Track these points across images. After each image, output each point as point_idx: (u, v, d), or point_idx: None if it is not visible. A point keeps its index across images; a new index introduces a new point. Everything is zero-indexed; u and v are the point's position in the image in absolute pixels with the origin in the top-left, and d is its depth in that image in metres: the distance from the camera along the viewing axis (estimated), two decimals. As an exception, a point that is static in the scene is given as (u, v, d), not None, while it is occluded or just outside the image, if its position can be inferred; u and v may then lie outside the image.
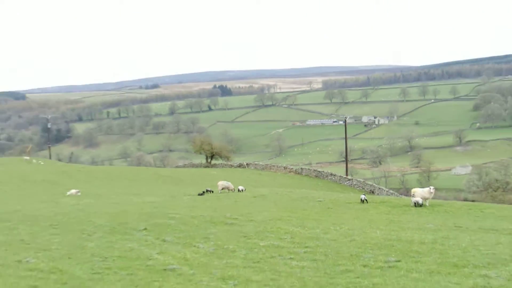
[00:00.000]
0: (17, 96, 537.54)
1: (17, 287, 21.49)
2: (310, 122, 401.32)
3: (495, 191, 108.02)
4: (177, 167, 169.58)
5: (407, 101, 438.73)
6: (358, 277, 23.92)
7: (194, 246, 31.74)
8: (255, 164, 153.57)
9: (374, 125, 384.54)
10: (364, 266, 26.30)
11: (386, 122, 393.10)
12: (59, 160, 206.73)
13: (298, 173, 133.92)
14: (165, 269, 25.41)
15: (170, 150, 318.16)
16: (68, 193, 75.14)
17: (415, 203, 57.03)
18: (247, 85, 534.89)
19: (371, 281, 23.17)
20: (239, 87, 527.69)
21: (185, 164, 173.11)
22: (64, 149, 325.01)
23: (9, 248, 30.35)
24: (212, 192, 73.42)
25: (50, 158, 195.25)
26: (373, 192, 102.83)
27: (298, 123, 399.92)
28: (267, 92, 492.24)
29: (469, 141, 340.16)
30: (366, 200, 61.80)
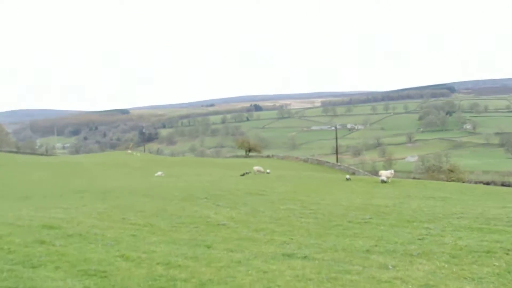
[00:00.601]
0: (123, 111, 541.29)
1: (122, 235, 21.47)
2: (313, 128, 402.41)
3: (433, 172, 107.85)
4: (226, 157, 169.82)
5: (375, 114, 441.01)
6: (344, 229, 23.83)
7: (237, 209, 31.68)
8: (277, 155, 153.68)
9: (354, 130, 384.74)
10: (349, 222, 26.18)
11: (363, 127, 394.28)
12: (150, 153, 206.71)
13: (305, 161, 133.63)
14: (218, 224, 25.37)
15: (222, 147, 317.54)
16: (156, 174, 75.31)
17: (381, 180, 57.10)
18: (272, 104, 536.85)
19: (353, 231, 23.06)
20: (266, 105, 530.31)
21: (231, 156, 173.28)
22: (153, 146, 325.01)
23: (117, 210, 30.44)
24: (249, 173, 73.22)
25: (144, 151, 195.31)
26: (354, 173, 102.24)
27: (305, 129, 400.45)
28: (284, 108, 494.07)
29: (416, 140, 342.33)
30: (349, 178, 62.23)
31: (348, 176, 64.47)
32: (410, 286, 13.56)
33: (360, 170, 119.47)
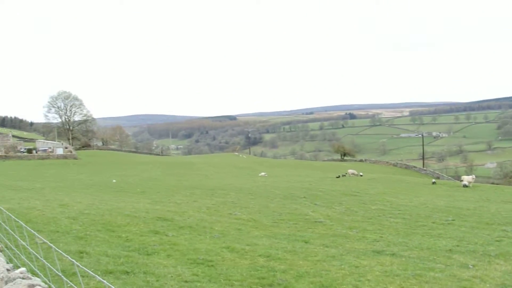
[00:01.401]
0: (231, 118, 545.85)
1: (228, 228, 21.66)
2: (402, 135, 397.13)
3: (511, 178, 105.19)
4: (323, 161, 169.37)
5: (458, 123, 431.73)
6: (429, 229, 23.50)
7: (333, 208, 31.56)
8: (369, 160, 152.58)
9: (439, 137, 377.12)
10: (433, 222, 25.82)
11: (446, 135, 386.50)
12: (255, 155, 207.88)
13: (394, 166, 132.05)
14: (315, 221, 25.34)
15: (319, 151, 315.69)
16: (260, 174, 75.61)
17: (463, 185, 55.83)
18: (365, 113, 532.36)
19: (437, 232, 22.73)
20: (360, 113, 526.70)
21: (328, 159, 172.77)
22: (257, 149, 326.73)
23: (224, 205, 30.71)
24: (344, 175, 72.78)
25: (249, 154, 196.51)
26: (438, 177, 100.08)
27: (395, 136, 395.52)
28: (376, 117, 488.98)
29: (495, 147, 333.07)
30: (435, 182, 60.99)
31: (434, 180, 63.20)
32: (488, 285, 13.25)
33: (444, 175, 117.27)
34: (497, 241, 20.29)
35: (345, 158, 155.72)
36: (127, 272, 11.91)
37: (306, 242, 18.92)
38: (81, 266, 5.11)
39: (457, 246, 18.89)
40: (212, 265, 13.86)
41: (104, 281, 5.03)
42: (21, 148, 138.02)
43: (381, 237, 20.92)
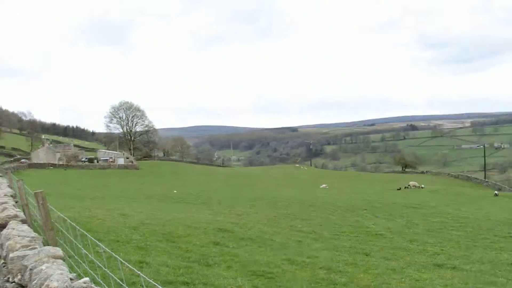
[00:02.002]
0: (292, 129, 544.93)
1: (289, 241, 21.65)
2: (463, 146, 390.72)
3: None
4: (384, 172, 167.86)
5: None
6: (491, 242, 23.17)
7: (394, 220, 31.33)
8: (431, 171, 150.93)
9: (501, 148, 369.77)
10: (495, 235, 25.43)
11: (509, 146, 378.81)
12: (316, 167, 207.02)
13: (456, 177, 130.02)
14: (376, 234, 25.18)
15: (380, 163, 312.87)
16: (321, 186, 75.47)
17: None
18: (426, 124, 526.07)
19: (499, 245, 22.40)
20: (421, 125, 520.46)
21: (389, 171, 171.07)
22: (318, 161, 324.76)
23: (285, 217, 30.71)
24: (407, 187, 72.08)
25: (310, 165, 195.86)
26: (500, 189, 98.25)
27: (456, 147, 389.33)
28: (437, 128, 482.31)
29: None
30: (497, 194, 59.95)
31: (496, 192, 62.21)
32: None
33: (506, 187, 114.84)
34: (561, 255, 19.88)
35: (406, 170, 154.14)
36: (187, 283, 12.00)
37: (366, 255, 18.82)
38: (142, 275, 5.21)
39: (520, 259, 18.59)
40: (272, 277, 13.87)
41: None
42: (82, 158, 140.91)
43: (442, 250, 20.68)
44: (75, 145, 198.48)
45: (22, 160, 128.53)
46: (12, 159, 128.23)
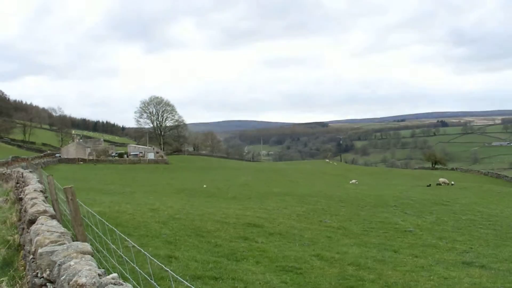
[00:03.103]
0: (323, 125, 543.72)
1: (318, 236, 21.66)
2: (494, 143, 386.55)
3: None
4: (414, 169, 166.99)
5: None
6: (521, 241, 22.94)
7: (423, 217, 31.06)
8: (461, 168, 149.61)
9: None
10: (525, 234, 25.15)
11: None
12: (346, 162, 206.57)
13: (485, 175, 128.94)
14: (405, 230, 25.00)
15: (411, 159, 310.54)
16: (351, 182, 75.25)
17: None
18: (457, 120, 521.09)
19: (529, 244, 22.13)
20: (452, 121, 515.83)
21: (419, 167, 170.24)
22: (348, 156, 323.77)
23: (314, 213, 30.69)
24: (440, 184, 71.47)
25: (340, 161, 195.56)
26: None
27: (486, 144, 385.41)
28: (468, 125, 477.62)
29: None
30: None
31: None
32: None
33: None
34: None
35: (436, 166, 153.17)
36: (216, 278, 12.02)
37: (395, 252, 18.71)
38: (170, 271, 5.18)
39: (549, 259, 18.30)
40: (300, 273, 13.83)
41: (192, 287, 5.11)
42: (112, 153, 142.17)
43: (471, 248, 20.47)
44: (105, 140, 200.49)
45: (56, 155, 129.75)
46: (42, 154, 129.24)
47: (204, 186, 56.36)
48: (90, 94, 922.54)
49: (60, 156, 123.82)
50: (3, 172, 42.00)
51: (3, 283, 8.76)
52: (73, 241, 6.80)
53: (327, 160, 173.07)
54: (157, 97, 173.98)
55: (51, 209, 9.83)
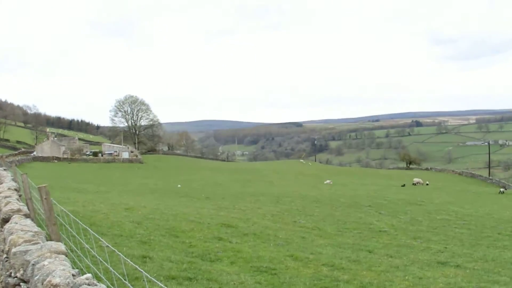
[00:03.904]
0: (298, 124, 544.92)
1: (293, 236, 21.69)
2: (468, 143, 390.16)
3: None
4: (388, 169, 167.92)
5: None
6: (495, 241, 23.14)
7: (398, 217, 31.32)
8: (435, 168, 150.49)
9: (506, 146, 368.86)
10: (498, 233, 25.37)
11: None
12: (320, 162, 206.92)
13: (460, 174, 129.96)
14: (380, 231, 25.20)
15: (385, 159, 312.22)
16: (325, 182, 75.55)
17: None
18: (431, 120, 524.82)
19: (502, 243, 22.34)
20: (426, 121, 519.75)
21: (394, 167, 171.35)
22: (323, 156, 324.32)
23: (289, 213, 30.80)
24: (415, 185, 72.03)
25: (315, 161, 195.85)
26: (504, 187, 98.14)
27: (460, 144, 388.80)
28: (442, 124, 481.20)
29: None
30: (502, 192, 59.91)
31: (502, 189, 62.02)
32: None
33: (510, 184, 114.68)
34: None
35: (411, 166, 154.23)
36: (190, 278, 11.99)
37: (370, 252, 18.82)
38: (145, 273, 5.19)
39: (523, 258, 18.53)
40: (275, 273, 13.84)
41: (166, 287, 5.12)
42: (87, 151, 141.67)
43: (446, 247, 20.66)
44: (80, 139, 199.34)
45: (34, 153, 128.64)
46: (16, 152, 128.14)
47: (179, 186, 56.43)
48: (66, 92, 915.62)
49: (35, 154, 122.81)
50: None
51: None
52: (47, 240, 6.79)
53: (301, 160, 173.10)
54: (132, 96, 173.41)
55: (25, 208, 9.79)
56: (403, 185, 69.66)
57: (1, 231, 8.87)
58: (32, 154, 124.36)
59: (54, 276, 4.91)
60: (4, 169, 29.17)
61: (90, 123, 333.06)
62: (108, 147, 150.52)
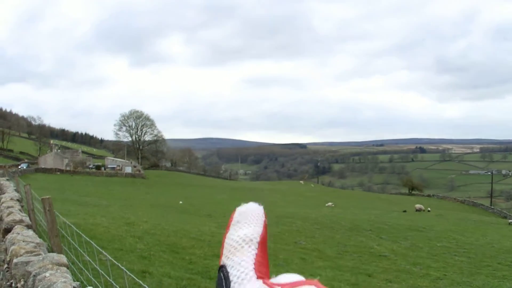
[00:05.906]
0: (301, 146, 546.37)
1: (293, 257, 21.69)
2: (471, 172, 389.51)
3: None
4: (390, 194, 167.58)
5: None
6: (494, 270, 23.06)
7: (398, 242, 31.24)
8: (437, 195, 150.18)
9: (509, 176, 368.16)
10: (498, 263, 25.29)
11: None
12: (322, 184, 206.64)
13: (462, 202, 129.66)
14: (380, 255, 25.13)
15: (387, 183, 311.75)
16: (327, 204, 75.40)
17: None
18: (435, 147, 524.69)
19: (502, 273, 22.28)
20: (430, 148, 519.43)
21: (396, 193, 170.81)
22: (325, 178, 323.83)
23: (290, 234, 30.75)
24: (419, 211, 71.89)
25: (317, 183, 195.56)
26: (505, 217, 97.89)
27: (463, 172, 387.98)
28: (446, 152, 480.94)
29: None
30: (511, 223, 59.22)
31: (511, 221, 61.42)
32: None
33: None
34: None
35: (413, 192, 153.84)
36: (189, 295, 11.98)
37: (369, 276, 18.78)
38: (146, 286, 5.21)
39: (522, 288, 18.48)
40: (274, 294, 13.79)
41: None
42: (90, 164, 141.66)
43: (445, 275, 20.60)
44: (83, 152, 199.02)
45: (30, 165, 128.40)
46: (19, 163, 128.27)
47: (180, 202, 56.34)
48: (71, 104, 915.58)
49: (23, 167, 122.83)
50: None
51: (-25, 293, 8.70)
52: (49, 252, 6.79)
53: (301, 182, 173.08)
54: (137, 111, 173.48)
55: (27, 218, 9.81)
56: (405, 211, 69.53)
57: (3, 241, 8.90)
58: (20, 167, 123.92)
59: (55, 288, 4.91)
60: (7, 179, 29.20)
61: (94, 136, 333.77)
62: (111, 161, 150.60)
